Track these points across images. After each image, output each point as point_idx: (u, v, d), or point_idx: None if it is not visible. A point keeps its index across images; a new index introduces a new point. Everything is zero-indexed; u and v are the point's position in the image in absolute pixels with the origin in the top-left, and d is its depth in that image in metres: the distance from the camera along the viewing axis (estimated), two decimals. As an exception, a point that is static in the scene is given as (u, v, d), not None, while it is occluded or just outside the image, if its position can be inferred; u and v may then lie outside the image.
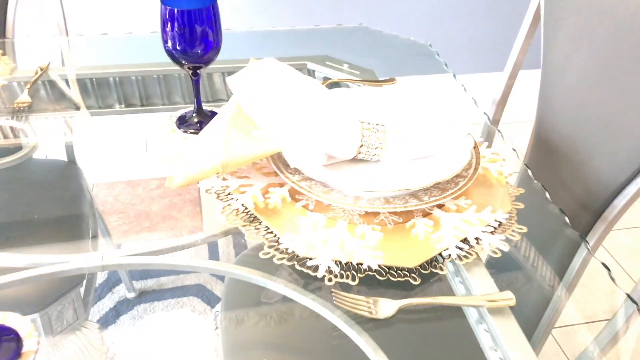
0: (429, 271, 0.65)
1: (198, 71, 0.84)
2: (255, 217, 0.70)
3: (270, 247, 0.67)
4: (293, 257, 0.65)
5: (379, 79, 1.08)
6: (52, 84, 1.12)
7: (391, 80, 1.04)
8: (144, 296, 0.92)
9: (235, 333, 0.78)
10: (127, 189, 1.02)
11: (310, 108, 0.73)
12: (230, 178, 0.75)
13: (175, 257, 0.78)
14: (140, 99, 1.11)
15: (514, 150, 0.88)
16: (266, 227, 0.69)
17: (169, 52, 0.81)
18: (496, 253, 0.67)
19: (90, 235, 0.94)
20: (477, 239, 0.68)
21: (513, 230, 0.71)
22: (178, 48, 0.80)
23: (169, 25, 0.78)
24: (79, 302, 0.86)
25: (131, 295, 0.91)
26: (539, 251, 0.73)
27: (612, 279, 0.66)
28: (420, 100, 0.84)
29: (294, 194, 0.72)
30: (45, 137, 1.08)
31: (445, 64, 1.13)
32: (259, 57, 0.90)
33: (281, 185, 0.74)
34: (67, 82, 1.16)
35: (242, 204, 0.72)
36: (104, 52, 1.23)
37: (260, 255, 0.66)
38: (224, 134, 0.71)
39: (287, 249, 0.66)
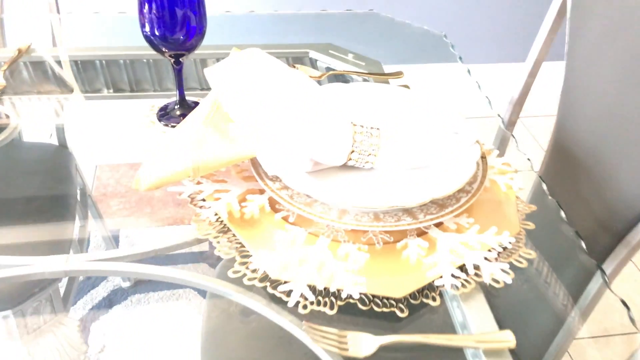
0: (419, 301, 0.57)
1: (180, 59, 0.76)
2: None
3: (242, 263, 0.59)
4: (266, 277, 0.58)
5: (385, 72, 0.99)
6: (37, 65, 1.05)
7: (398, 74, 0.95)
8: (140, 286, 0.86)
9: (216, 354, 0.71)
10: (130, 172, 0.95)
11: (296, 107, 0.64)
12: (205, 182, 0.67)
13: (144, 266, 0.71)
14: (129, 84, 1.04)
15: (529, 160, 0.79)
16: (239, 241, 0.61)
17: (147, 38, 0.73)
18: (498, 283, 0.58)
19: (80, 224, 0.87)
20: (476, 266, 0.59)
21: (520, 256, 0.62)
22: (157, 34, 0.72)
23: (147, 6, 0.70)
24: (57, 298, 0.80)
25: (126, 284, 0.85)
26: (548, 280, 0.64)
27: (631, 319, 0.57)
28: (423, 102, 0.75)
29: (274, 203, 0.65)
30: (31, 120, 1.03)
31: (460, 58, 1.03)
32: (258, 43, 0.81)
33: (261, 192, 0.66)
34: (59, 63, 1.10)
35: (215, 213, 0.64)
36: (94, 32, 1.15)
37: (229, 273, 0.59)
38: (198, 133, 0.63)
39: (258, 268, 0.58)
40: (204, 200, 0.66)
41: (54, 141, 1.05)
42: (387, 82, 0.95)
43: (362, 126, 0.65)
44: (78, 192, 0.98)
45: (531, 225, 0.66)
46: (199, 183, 0.67)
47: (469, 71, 1.00)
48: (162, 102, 0.84)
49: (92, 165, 1.00)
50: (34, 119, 1.05)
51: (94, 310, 0.76)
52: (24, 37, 1.13)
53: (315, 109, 0.64)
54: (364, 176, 0.66)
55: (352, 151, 0.65)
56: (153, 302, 0.84)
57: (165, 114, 0.81)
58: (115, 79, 1.03)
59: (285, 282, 0.57)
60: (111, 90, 1.04)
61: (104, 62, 1.04)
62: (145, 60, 1.04)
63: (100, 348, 0.73)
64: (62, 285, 0.77)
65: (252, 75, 0.67)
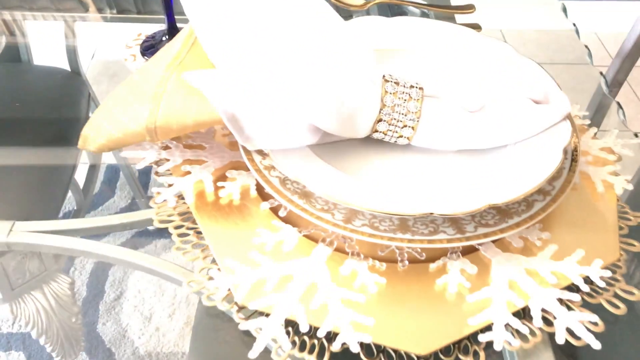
0: (453, 357, 0.38)
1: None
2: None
3: (204, 273, 0.42)
4: (231, 299, 0.40)
5: (452, 4, 0.75)
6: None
7: (468, 8, 0.72)
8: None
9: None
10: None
11: (301, 49, 0.44)
12: (174, 146, 0.49)
13: (101, 245, 0.54)
14: (135, 4, 0.86)
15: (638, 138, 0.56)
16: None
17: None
18: (578, 339, 0.38)
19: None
20: (544, 311, 0.39)
21: (616, 295, 0.41)
22: None
23: None
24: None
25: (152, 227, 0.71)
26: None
27: None
28: (496, 52, 0.53)
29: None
30: (41, 41, 0.89)
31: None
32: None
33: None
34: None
35: (178, 194, 0.46)
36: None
37: (184, 285, 0.41)
38: (158, 81, 0.45)
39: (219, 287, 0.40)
40: (169, 173, 0.48)
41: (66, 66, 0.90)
42: (453, 19, 0.72)
43: (398, 83, 0.44)
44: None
45: (637, 247, 0.45)
46: (166, 148, 0.49)
47: (564, 9, 0.75)
48: (154, 29, 0.66)
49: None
50: (44, 40, 0.91)
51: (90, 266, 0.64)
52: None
53: (329, 54, 0.44)
54: (391, 160, 0.46)
55: (380, 119, 0.44)
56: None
57: (150, 47, 0.62)
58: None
59: (254, 314, 0.39)
60: (114, 11, 0.86)
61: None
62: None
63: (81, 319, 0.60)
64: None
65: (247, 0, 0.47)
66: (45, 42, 0.91)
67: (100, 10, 0.87)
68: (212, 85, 0.38)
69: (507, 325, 0.38)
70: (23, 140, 0.66)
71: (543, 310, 0.39)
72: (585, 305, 0.40)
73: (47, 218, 0.53)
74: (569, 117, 0.46)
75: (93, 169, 0.67)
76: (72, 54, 0.89)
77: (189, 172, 0.46)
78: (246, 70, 0.42)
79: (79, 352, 0.57)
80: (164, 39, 0.62)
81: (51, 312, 0.58)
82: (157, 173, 0.48)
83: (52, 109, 0.77)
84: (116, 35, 0.82)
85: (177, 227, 0.45)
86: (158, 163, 0.48)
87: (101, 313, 0.64)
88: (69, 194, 0.65)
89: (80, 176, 0.66)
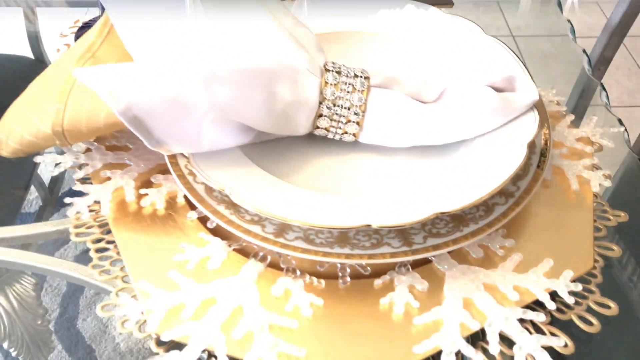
0: (398, 389, 0.33)
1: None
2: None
3: (121, 294, 0.37)
4: (143, 325, 0.35)
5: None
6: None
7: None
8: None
9: None
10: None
11: (226, 35, 0.39)
12: (95, 149, 0.44)
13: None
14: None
15: (622, 126, 0.50)
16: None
17: None
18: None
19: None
20: (502, 337, 0.34)
21: (589, 309, 0.36)
22: None
23: None
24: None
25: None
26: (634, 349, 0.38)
27: None
28: (456, 31, 0.47)
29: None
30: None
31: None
32: None
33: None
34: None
35: (90, 203, 0.41)
36: None
37: (98, 310, 0.37)
38: (67, 77, 0.39)
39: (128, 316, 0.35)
40: (89, 181, 0.42)
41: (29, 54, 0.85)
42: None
43: (340, 72, 0.39)
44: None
45: (616, 251, 0.39)
46: (87, 151, 0.44)
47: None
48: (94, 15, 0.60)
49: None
50: (4, 27, 0.86)
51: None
52: None
53: (257, 42, 0.38)
54: (338, 159, 0.41)
55: (320, 114, 0.39)
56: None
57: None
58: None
59: (165, 344, 0.34)
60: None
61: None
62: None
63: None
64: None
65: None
66: (4, 28, 0.86)
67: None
68: (110, 82, 0.32)
69: (457, 356, 0.32)
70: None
71: (500, 334, 0.33)
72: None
73: (5, 216, 0.48)
74: (537, 105, 0.40)
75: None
76: (34, 41, 0.84)
77: (109, 178, 0.41)
78: (161, 63, 0.36)
79: (48, 354, 0.53)
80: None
81: (14, 315, 0.54)
82: (79, 179, 0.43)
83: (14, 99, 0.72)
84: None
85: (96, 241, 0.40)
86: (76, 168, 0.43)
87: (81, 308, 0.60)
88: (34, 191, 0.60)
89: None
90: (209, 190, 0.37)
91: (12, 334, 0.52)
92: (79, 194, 0.41)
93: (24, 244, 0.47)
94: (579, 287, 0.36)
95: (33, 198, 0.61)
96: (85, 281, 0.42)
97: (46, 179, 0.61)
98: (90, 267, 0.38)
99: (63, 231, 0.43)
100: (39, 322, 0.56)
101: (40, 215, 0.58)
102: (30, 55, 0.82)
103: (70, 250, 0.49)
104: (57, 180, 0.63)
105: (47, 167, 0.62)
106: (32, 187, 0.60)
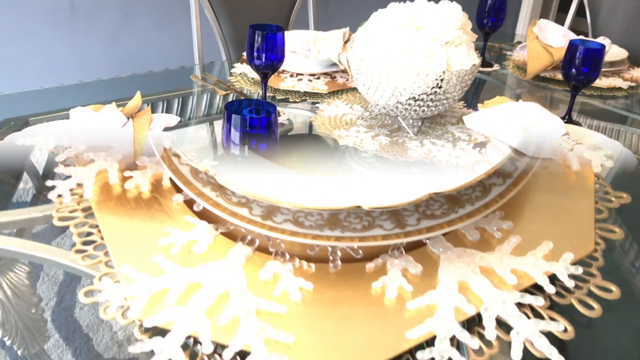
0: (391, 376, 0.32)
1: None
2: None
3: (103, 279, 0.35)
4: (126, 310, 0.34)
5: None
6: None
7: None
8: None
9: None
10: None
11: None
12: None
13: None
14: None
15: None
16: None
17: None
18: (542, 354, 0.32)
19: None
20: (498, 322, 0.32)
21: (590, 293, 0.35)
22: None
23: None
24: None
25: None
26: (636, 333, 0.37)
27: None
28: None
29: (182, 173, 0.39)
30: None
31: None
32: None
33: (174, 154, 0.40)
34: None
35: (72, 187, 0.39)
36: None
37: (80, 296, 0.35)
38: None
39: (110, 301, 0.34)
40: (73, 164, 0.41)
41: None
42: None
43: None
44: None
45: (618, 233, 0.38)
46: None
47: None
48: None
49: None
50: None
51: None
52: None
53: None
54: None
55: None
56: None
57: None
58: None
59: (148, 331, 0.32)
60: None
61: None
62: None
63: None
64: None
65: None
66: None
67: None
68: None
69: (452, 341, 0.31)
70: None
71: (497, 319, 0.32)
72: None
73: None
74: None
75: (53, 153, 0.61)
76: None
77: (92, 161, 0.40)
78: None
79: (43, 343, 0.52)
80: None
81: (8, 304, 0.53)
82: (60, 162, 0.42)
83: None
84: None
85: (79, 225, 0.38)
86: (59, 150, 0.42)
87: (78, 297, 0.59)
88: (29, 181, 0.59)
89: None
90: (195, 172, 0.36)
91: (5, 322, 0.51)
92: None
93: (18, 229, 0.46)
94: (579, 270, 0.34)
95: (29, 187, 0.60)
96: (76, 268, 0.41)
97: (40, 169, 0.60)
98: (73, 251, 0.37)
99: (50, 217, 0.41)
100: (33, 311, 0.55)
101: (34, 204, 0.57)
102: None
103: (67, 239, 0.48)
104: (51, 170, 0.61)
105: (42, 154, 0.61)
106: (27, 177, 0.59)
